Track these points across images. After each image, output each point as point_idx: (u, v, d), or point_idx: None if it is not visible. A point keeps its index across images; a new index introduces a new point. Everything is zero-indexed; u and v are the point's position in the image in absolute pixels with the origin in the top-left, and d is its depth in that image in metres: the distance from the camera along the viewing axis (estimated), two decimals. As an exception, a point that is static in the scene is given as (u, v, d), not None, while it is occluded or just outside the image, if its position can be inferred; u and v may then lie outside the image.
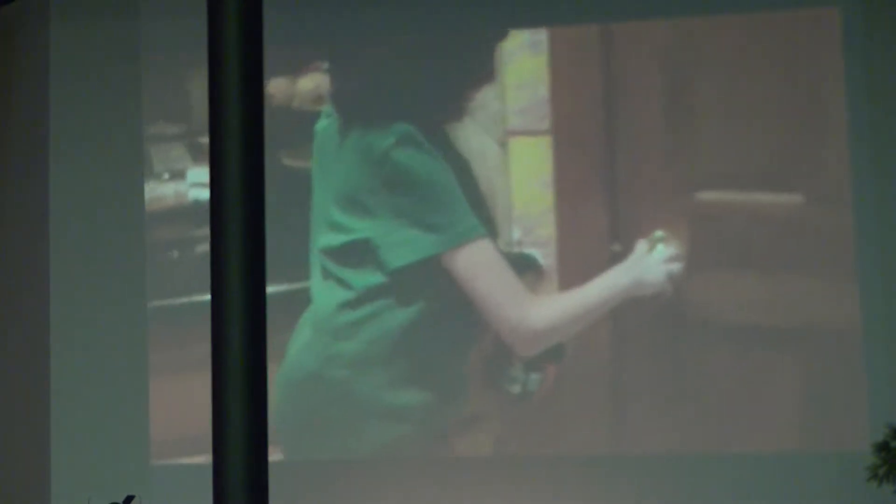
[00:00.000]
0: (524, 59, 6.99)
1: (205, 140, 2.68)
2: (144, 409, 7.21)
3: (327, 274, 6.98)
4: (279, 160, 7.08)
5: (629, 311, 6.79)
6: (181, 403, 7.14)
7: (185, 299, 7.27)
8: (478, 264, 6.87)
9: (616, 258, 6.81)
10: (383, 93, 7.11)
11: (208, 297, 2.78)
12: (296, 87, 7.17)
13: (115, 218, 7.35)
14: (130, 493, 6.46)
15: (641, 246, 6.76)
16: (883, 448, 5.80)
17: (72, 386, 7.26)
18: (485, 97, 6.97)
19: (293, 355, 7.01)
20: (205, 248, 2.60)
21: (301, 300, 7.04)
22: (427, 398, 6.93)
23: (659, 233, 6.72)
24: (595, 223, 6.84)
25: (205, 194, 2.49)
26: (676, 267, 6.74)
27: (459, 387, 6.95)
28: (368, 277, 6.93)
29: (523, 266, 6.91)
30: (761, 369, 6.63)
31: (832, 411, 6.50)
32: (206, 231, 2.93)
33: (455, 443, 7.02)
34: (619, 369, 6.79)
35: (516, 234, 6.91)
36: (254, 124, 2.41)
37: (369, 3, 7.14)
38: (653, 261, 6.74)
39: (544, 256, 6.88)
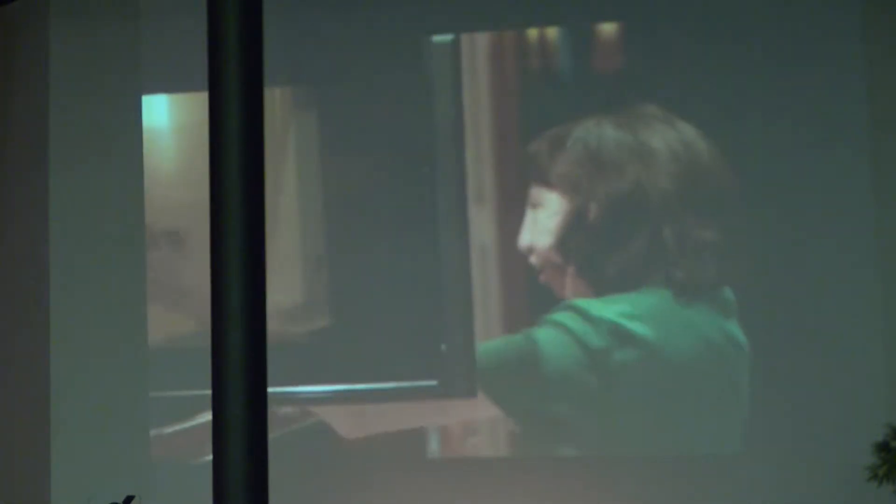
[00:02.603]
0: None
1: (205, 139, 2.68)
2: (144, 409, 7.21)
3: None
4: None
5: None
6: (181, 403, 7.14)
7: (185, 299, 7.27)
8: None
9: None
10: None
11: (209, 296, 2.78)
12: None
13: (115, 218, 7.35)
14: (130, 494, 6.45)
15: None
16: (883, 448, 5.79)
17: (72, 386, 7.26)
18: None
19: None
20: (205, 247, 2.60)
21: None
22: None
23: None
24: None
25: (205, 193, 2.49)
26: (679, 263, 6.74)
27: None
28: None
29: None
30: (760, 370, 6.63)
31: (832, 411, 6.50)
32: (206, 230, 2.92)
33: (455, 443, 7.03)
34: (616, 370, 6.79)
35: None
36: (254, 124, 2.41)
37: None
38: None
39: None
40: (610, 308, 6.75)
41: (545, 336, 6.83)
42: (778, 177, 6.68)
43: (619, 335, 6.74)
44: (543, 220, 6.88)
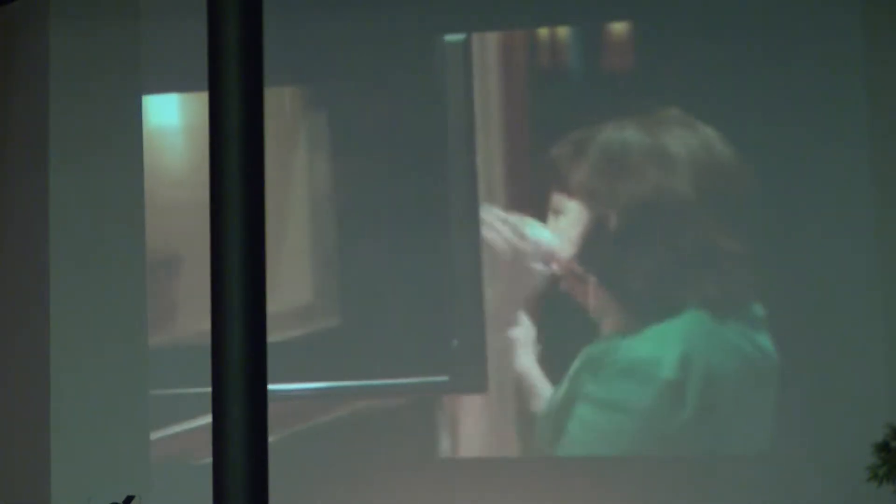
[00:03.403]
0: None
1: (205, 139, 2.68)
2: (144, 410, 7.21)
3: None
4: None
5: (626, 307, 6.80)
6: (182, 403, 7.14)
7: (185, 299, 7.26)
8: None
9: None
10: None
11: (209, 296, 2.78)
12: None
13: (115, 218, 7.35)
14: (130, 494, 6.45)
15: None
16: (883, 448, 5.79)
17: (72, 386, 7.25)
18: None
19: None
20: (205, 247, 2.60)
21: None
22: None
23: None
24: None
25: (206, 193, 2.50)
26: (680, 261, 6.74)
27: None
28: None
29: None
30: (761, 370, 6.63)
31: (832, 411, 6.50)
32: (206, 230, 2.92)
33: (456, 443, 7.03)
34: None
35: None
36: (254, 124, 2.41)
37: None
38: None
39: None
40: (635, 352, 6.70)
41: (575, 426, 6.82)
42: (778, 176, 6.67)
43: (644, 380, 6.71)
44: (562, 228, 6.87)
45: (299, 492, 6.90)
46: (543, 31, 7.04)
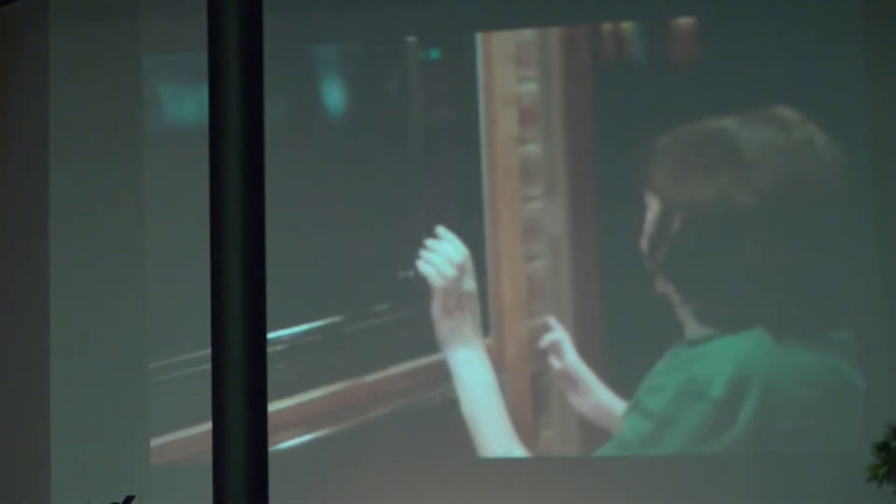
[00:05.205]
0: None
1: (205, 139, 2.69)
2: (144, 409, 7.21)
3: None
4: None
5: (627, 309, 6.80)
6: (181, 403, 7.14)
7: (185, 299, 7.26)
8: None
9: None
10: None
11: (209, 297, 2.78)
12: None
13: (115, 218, 7.35)
14: (130, 494, 6.46)
15: None
16: (883, 448, 5.79)
17: (72, 386, 7.26)
18: None
19: None
20: (205, 248, 2.61)
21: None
22: None
23: None
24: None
25: (205, 193, 2.51)
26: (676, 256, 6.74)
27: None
28: None
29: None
30: (760, 370, 6.63)
31: (832, 411, 6.50)
32: (206, 231, 2.92)
33: (456, 443, 7.03)
34: (619, 367, 6.80)
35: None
36: (254, 124, 2.41)
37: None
38: None
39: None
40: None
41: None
42: (777, 174, 6.68)
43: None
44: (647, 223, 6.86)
45: (299, 492, 6.90)
46: (607, 27, 7.03)
